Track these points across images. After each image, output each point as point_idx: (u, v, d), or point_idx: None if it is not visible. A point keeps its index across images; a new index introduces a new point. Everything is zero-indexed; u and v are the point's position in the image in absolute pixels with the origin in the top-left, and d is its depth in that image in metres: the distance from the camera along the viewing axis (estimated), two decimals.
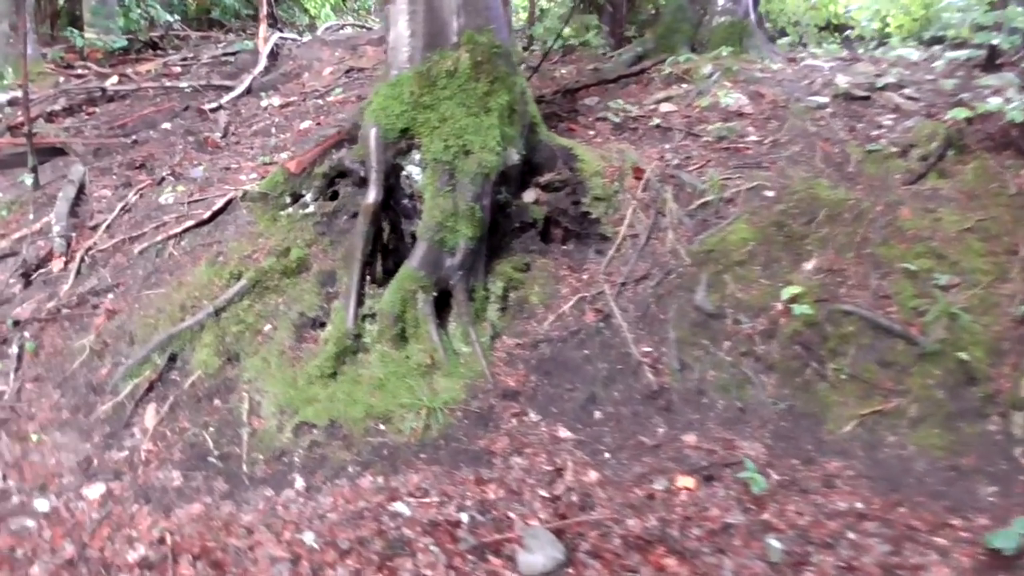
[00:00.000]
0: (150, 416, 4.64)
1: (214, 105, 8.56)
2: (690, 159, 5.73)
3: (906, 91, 6.28)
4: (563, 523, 3.89)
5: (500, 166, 4.89)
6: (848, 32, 9.79)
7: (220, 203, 6.08)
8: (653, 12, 9.83)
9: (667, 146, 5.93)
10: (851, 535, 3.80)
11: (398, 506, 4.04)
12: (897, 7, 9.81)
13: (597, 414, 4.58)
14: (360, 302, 4.82)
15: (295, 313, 5.17)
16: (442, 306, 4.90)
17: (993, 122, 5.44)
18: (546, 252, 5.37)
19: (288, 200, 5.85)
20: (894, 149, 5.49)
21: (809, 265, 4.85)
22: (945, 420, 4.26)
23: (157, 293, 5.46)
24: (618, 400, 4.63)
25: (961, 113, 5.13)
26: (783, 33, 9.79)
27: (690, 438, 4.42)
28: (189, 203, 6.24)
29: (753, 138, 5.96)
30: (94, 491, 4.14)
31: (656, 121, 6.13)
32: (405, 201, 4.95)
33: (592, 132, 6.16)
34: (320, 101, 8.50)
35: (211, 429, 4.54)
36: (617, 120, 6.22)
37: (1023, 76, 5.95)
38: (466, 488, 4.12)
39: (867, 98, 6.31)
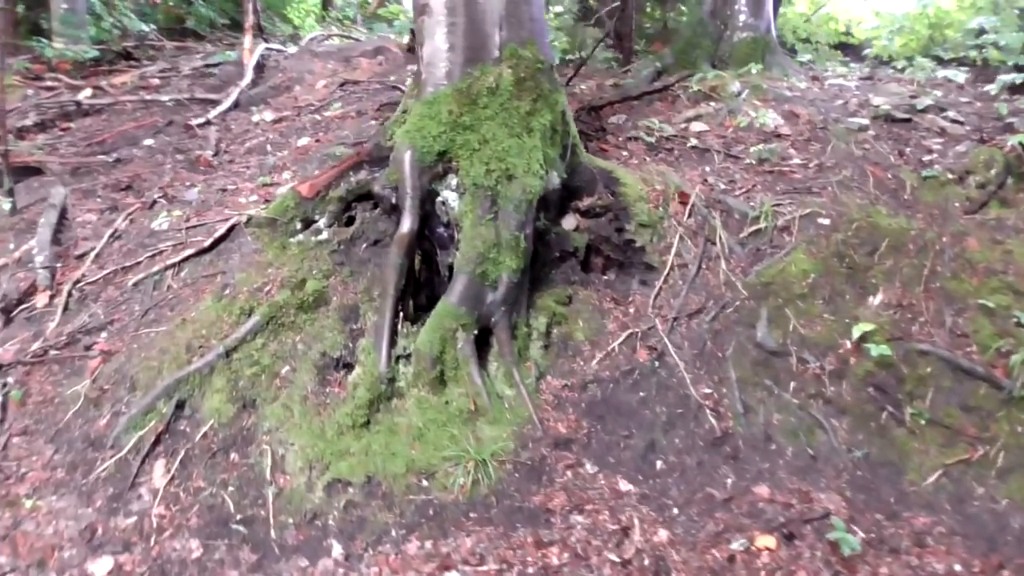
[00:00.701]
0: (159, 474, 4.20)
1: (201, 120, 8.13)
2: (734, 183, 5.48)
3: (949, 114, 6.13)
4: None
5: (542, 191, 4.58)
6: (866, 51, 9.71)
7: (222, 229, 5.66)
8: (662, 26, 9.65)
9: (707, 168, 5.68)
10: None
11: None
12: (909, 24, 9.77)
13: (659, 464, 4.26)
14: (393, 342, 4.44)
15: (316, 353, 4.77)
16: (481, 344, 4.56)
17: None
18: (587, 283, 5.06)
19: (299, 226, 5.46)
20: (951, 176, 5.30)
21: (876, 300, 4.61)
22: None
23: (158, 331, 5.02)
24: (680, 448, 4.32)
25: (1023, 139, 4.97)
26: (793, 50, 9.67)
27: (762, 490, 4.13)
28: (186, 229, 5.80)
29: (797, 161, 5.73)
30: (101, 567, 3.70)
31: (693, 142, 5.88)
32: (440, 230, 4.60)
33: (626, 153, 5.88)
34: (317, 116, 8.11)
35: (230, 488, 4.12)
36: (651, 140, 5.95)
37: None
38: (525, 552, 3.76)
39: (908, 120, 6.14)
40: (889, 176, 5.40)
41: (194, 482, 4.17)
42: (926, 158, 5.58)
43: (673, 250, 5.03)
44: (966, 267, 4.67)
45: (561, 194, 4.89)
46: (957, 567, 3.71)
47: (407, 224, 4.42)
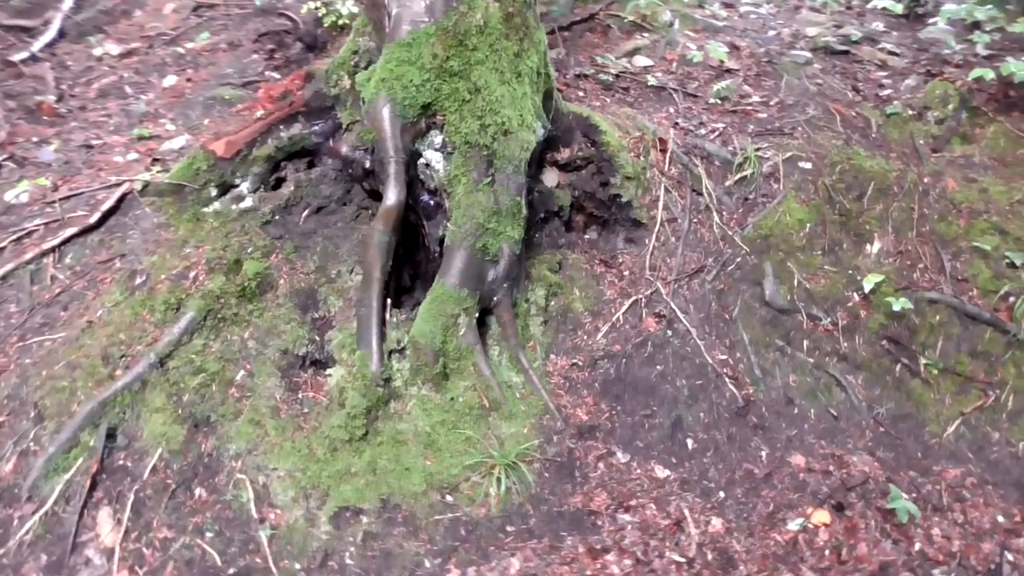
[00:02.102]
0: (106, 528, 3.37)
1: (25, 55, 6.62)
2: (703, 124, 5.18)
3: (885, 46, 6.15)
4: None
5: (535, 147, 4.04)
6: None
7: (110, 200, 4.60)
8: None
9: (671, 110, 5.33)
10: (1010, 556, 3.60)
11: None
12: None
13: (690, 443, 4.01)
14: (383, 335, 3.79)
15: (274, 352, 4.02)
16: (479, 327, 4.01)
17: (993, 83, 5.41)
18: (573, 245, 4.62)
19: (214, 192, 4.55)
20: (911, 112, 5.31)
21: (874, 248, 4.56)
22: None
23: (53, 339, 4.01)
24: (707, 423, 4.08)
25: (988, 74, 5.03)
26: None
27: (797, 459, 4.00)
28: (60, 201, 4.67)
29: (756, 99, 5.53)
30: None
31: (652, 80, 5.48)
32: (425, 197, 3.93)
33: (581, 93, 5.39)
34: (177, 49, 6.85)
35: (208, 534, 3.38)
36: (606, 79, 5.49)
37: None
38: (582, 566, 3.40)
39: (847, 52, 6.10)
40: (854, 114, 5.34)
41: (156, 532, 3.38)
42: (882, 93, 5.57)
43: (660, 204, 4.68)
44: (951, 208, 4.72)
45: (542, 147, 4.36)
46: (1000, 519, 3.80)
47: (392, 194, 3.72)
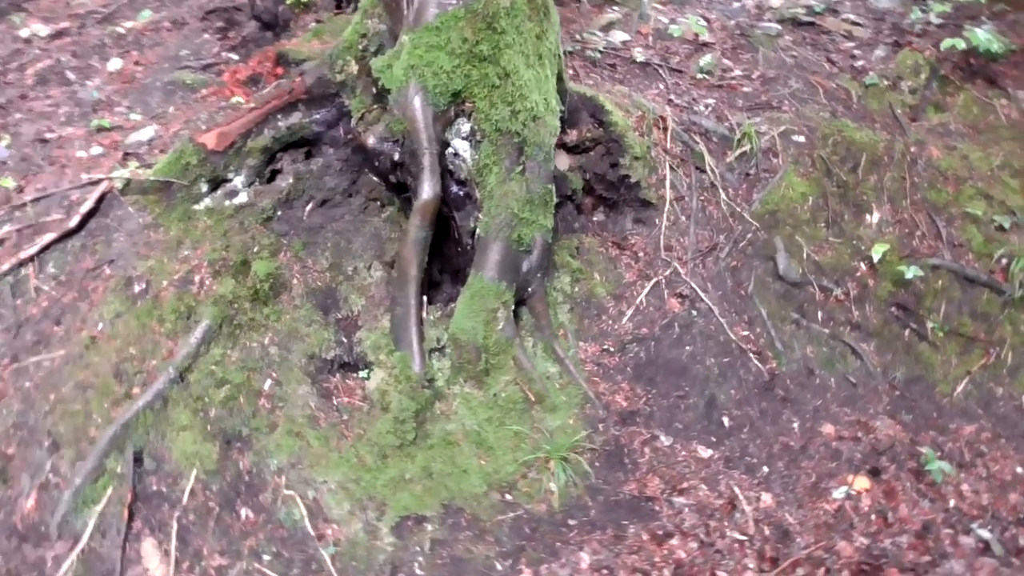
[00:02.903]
0: (154, 560, 3.14)
1: None
2: (694, 100, 5.20)
3: (849, 16, 6.32)
4: (780, 571, 3.41)
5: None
6: None
7: (89, 201, 4.24)
8: None
9: (661, 86, 5.32)
10: None
11: None
12: None
13: (726, 421, 4.08)
14: (422, 335, 3.66)
15: (299, 357, 3.82)
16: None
17: (955, 53, 5.66)
18: (586, 229, 4.57)
19: (205, 188, 4.27)
20: (886, 82, 5.49)
21: (874, 218, 4.72)
22: None
23: (52, 358, 3.68)
24: (738, 399, 4.16)
25: (960, 44, 5.24)
26: None
27: (828, 429, 4.13)
28: (31, 203, 4.26)
29: (738, 73, 5.59)
30: None
31: (639, 56, 5.45)
32: (455, 188, 3.78)
33: (571, 71, 5.30)
34: (115, 28, 6.32)
35: (265, 557, 3.21)
36: (593, 55, 5.41)
37: None
38: (650, 553, 3.42)
39: (813, 24, 6.25)
40: (834, 86, 5.48)
41: (209, 560, 3.18)
42: (855, 64, 5.74)
43: (668, 183, 4.69)
44: (938, 176, 4.93)
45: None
46: (1019, 470, 4.04)
47: (428, 188, 3.55)
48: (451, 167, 3.75)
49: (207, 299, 3.89)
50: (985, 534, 3.68)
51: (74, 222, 4.17)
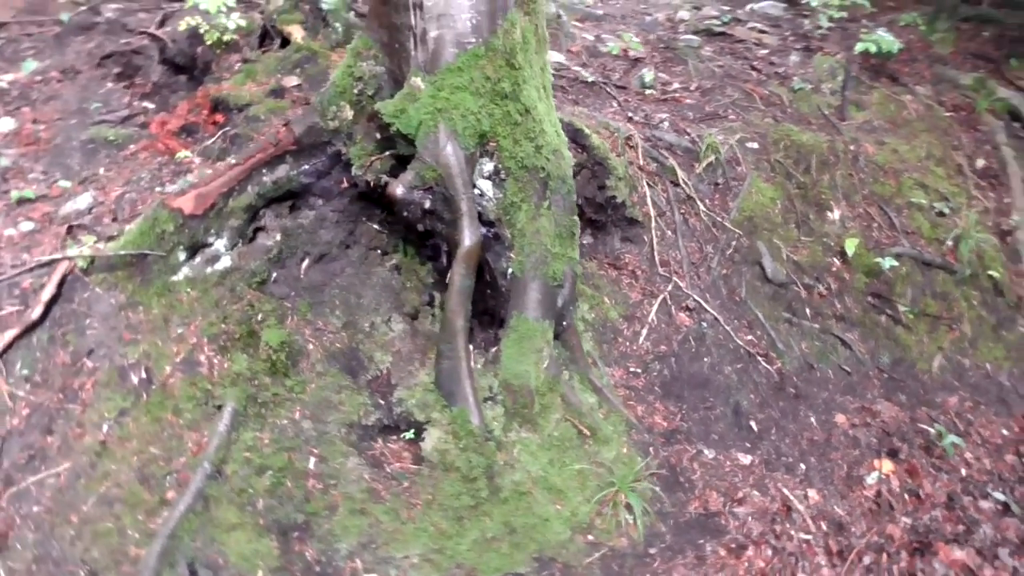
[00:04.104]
0: None
1: None
2: (649, 117, 5.35)
3: (754, 25, 6.73)
4: (849, 563, 3.59)
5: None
6: None
7: (50, 287, 3.76)
8: None
9: (614, 104, 5.42)
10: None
11: None
12: None
13: (753, 425, 4.23)
14: (475, 386, 3.53)
15: (338, 427, 3.58)
16: None
17: (859, 55, 6.18)
18: (581, 253, 4.58)
19: (182, 256, 3.90)
20: (809, 86, 5.90)
21: (835, 215, 5.06)
22: (992, 333, 4.96)
23: (60, 474, 3.23)
24: (758, 402, 4.33)
25: (873, 47, 5.73)
26: None
27: (840, 419, 4.39)
28: None
29: (677, 86, 5.81)
30: None
31: (588, 76, 5.52)
32: (483, 230, 3.65)
33: None
34: None
35: None
36: None
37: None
38: (732, 569, 3.49)
39: (724, 34, 6.60)
40: (767, 92, 5.82)
41: None
42: (778, 71, 6.12)
43: (649, 200, 4.80)
44: (879, 171, 5.36)
45: None
46: (1004, 432, 4.47)
47: (468, 234, 3.41)
48: (478, 208, 3.65)
49: (222, 379, 3.57)
50: (1001, 496, 4.05)
51: (36, 312, 3.68)
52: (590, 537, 3.47)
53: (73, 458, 3.30)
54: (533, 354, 3.64)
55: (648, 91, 5.64)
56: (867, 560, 3.64)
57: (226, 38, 5.35)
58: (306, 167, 3.99)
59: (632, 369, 4.23)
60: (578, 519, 3.48)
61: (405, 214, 3.53)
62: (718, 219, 4.84)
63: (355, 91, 3.81)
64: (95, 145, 4.97)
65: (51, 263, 3.88)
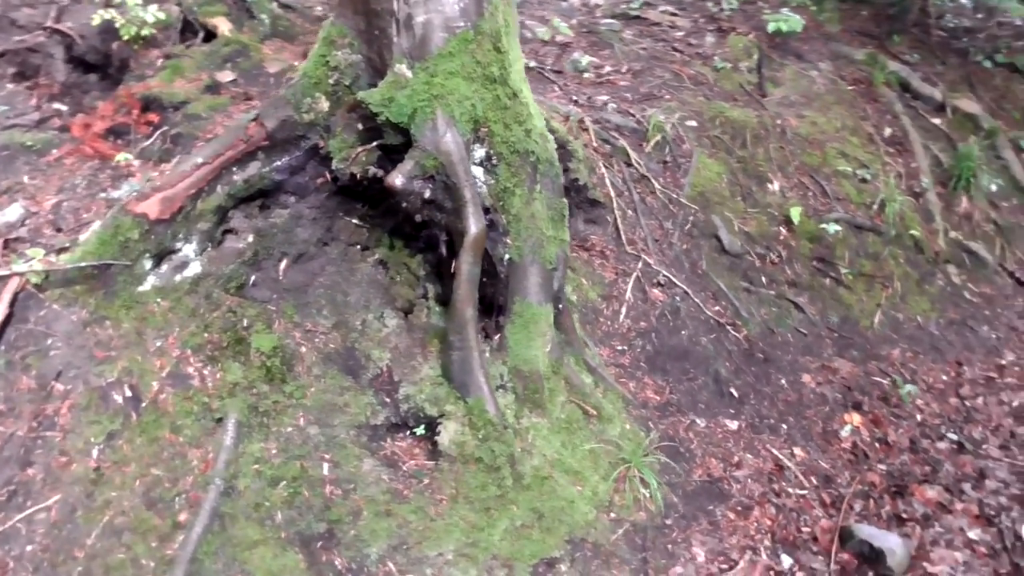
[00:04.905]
0: None
1: None
2: (591, 99, 5.41)
3: (666, 8, 6.93)
4: (843, 511, 3.82)
5: None
6: None
7: (1, 308, 3.38)
8: None
9: (556, 89, 5.44)
10: (967, 403, 4.67)
11: None
12: None
13: (734, 392, 4.38)
14: (487, 375, 3.46)
15: (346, 430, 3.42)
16: None
17: (766, 34, 6.50)
18: None
19: (148, 265, 3.62)
20: (729, 65, 6.15)
21: (774, 186, 5.30)
22: (917, 288, 5.37)
23: (50, 507, 2.93)
24: (733, 369, 4.49)
25: (784, 26, 6.04)
26: None
27: (807, 378, 4.64)
28: None
29: (609, 68, 5.90)
30: None
31: (529, 63, 5.50)
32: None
33: None
34: None
35: None
36: None
37: None
38: (744, 527, 3.64)
39: (639, 18, 6.76)
40: (693, 72, 6.01)
41: None
42: (698, 51, 6.32)
43: (607, 181, 4.86)
44: (804, 142, 5.66)
45: None
46: (944, 377, 4.86)
47: (474, 222, 3.32)
48: None
49: (218, 391, 3.33)
50: (953, 436, 4.41)
51: None
52: (612, 514, 3.50)
53: (63, 489, 2.99)
54: (539, 338, 3.62)
55: (585, 75, 5.71)
56: (857, 507, 3.88)
57: (144, 32, 4.94)
58: (278, 163, 3.76)
59: (618, 347, 4.28)
60: (599, 498, 3.50)
61: (404, 205, 3.40)
62: (673, 196, 4.97)
63: (331, 81, 3.64)
64: (10, 152, 4.48)
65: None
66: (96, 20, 4.96)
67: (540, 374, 3.60)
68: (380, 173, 3.55)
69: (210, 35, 5.23)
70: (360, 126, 3.62)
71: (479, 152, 3.60)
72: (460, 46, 3.38)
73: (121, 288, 3.57)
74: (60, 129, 4.82)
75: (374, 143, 3.56)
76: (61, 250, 3.75)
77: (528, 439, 3.56)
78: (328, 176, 3.79)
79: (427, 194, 3.41)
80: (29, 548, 2.88)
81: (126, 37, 4.98)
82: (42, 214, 4.13)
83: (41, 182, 4.38)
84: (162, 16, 5.00)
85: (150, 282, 3.67)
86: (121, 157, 4.39)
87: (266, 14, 5.36)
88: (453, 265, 3.49)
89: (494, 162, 3.61)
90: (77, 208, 4.13)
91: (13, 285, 3.49)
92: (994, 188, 6.29)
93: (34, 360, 3.38)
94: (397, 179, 3.33)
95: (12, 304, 3.47)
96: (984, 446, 4.35)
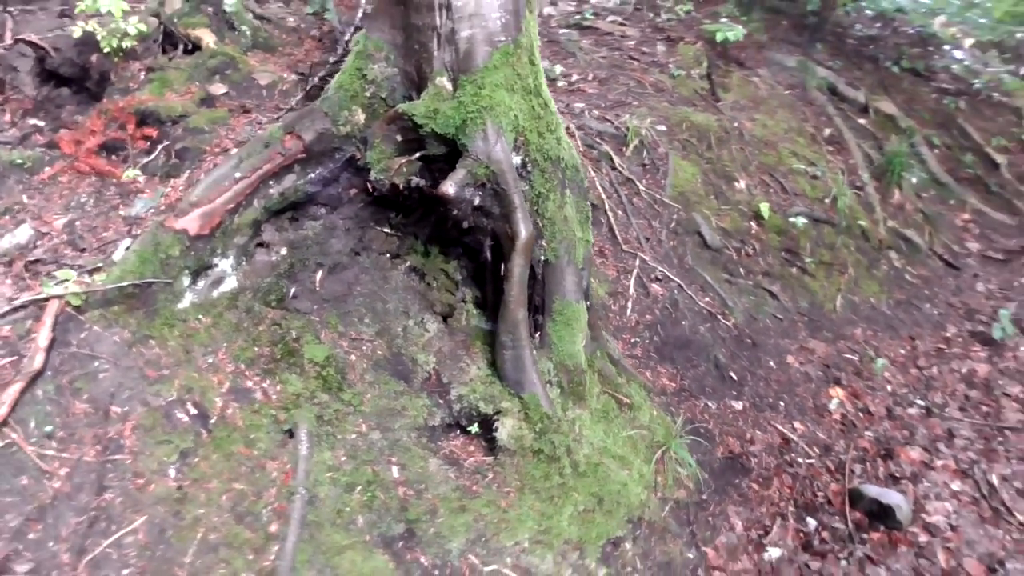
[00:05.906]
0: None
1: None
2: (570, 107, 5.64)
3: (615, 18, 7.24)
4: (847, 476, 4.20)
5: None
6: None
7: (44, 331, 3.27)
8: None
9: None
10: (925, 373, 5.19)
11: (772, 552, 3.67)
12: None
13: (733, 375, 4.71)
14: (539, 372, 3.62)
15: (407, 435, 3.50)
16: None
17: (709, 43, 6.94)
18: None
19: (186, 282, 3.59)
20: (683, 72, 6.52)
21: (741, 185, 5.69)
22: (867, 273, 5.90)
23: (136, 530, 2.88)
24: (729, 355, 4.82)
25: (731, 35, 6.46)
26: None
27: (791, 359, 5.02)
28: None
29: (577, 76, 6.14)
30: None
31: None
32: None
33: None
34: None
35: None
36: None
37: None
38: (770, 498, 3.96)
39: (591, 27, 7.05)
40: (653, 79, 6.33)
41: None
42: (653, 60, 6.66)
43: (597, 184, 5.10)
44: (760, 144, 6.09)
45: None
46: (902, 351, 5.37)
47: (523, 227, 3.45)
48: None
49: (283, 403, 3.35)
50: (921, 402, 4.90)
51: (38, 361, 3.20)
52: (659, 494, 3.74)
53: (146, 511, 2.94)
54: (579, 334, 3.82)
55: (559, 83, 5.94)
56: (857, 470, 4.28)
57: (125, 44, 4.79)
58: (312, 176, 3.80)
59: (630, 340, 4.53)
60: (646, 479, 3.74)
61: (455, 212, 3.52)
62: (656, 196, 5.27)
63: (367, 94, 3.71)
64: (1, 171, 4.27)
65: (32, 303, 3.37)
66: (76, 32, 4.77)
67: (582, 368, 3.80)
68: (423, 183, 3.65)
69: (193, 47, 5.12)
70: (399, 137, 3.70)
71: (516, 160, 3.76)
72: (503, 59, 3.54)
73: (161, 306, 3.52)
74: (47, 146, 4.63)
75: (416, 154, 3.66)
76: (94, 270, 3.65)
77: (576, 429, 3.74)
78: (363, 187, 3.85)
79: (476, 201, 3.54)
80: (125, 572, 2.82)
81: (107, 50, 4.82)
82: (54, 234, 3.98)
83: (42, 201, 4.21)
84: (143, 28, 4.86)
85: (188, 299, 3.63)
86: (130, 174, 4.27)
87: (247, 26, 5.29)
88: (502, 268, 3.64)
89: (529, 169, 3.78)
90: (93, 227, 4.00)
91: (54, 308, 3.38)
92: (915, 181, 6.97)
93: (83, 383, 3.29)
94: (450, 188, 3.45)
95: (54, 328, 3.38)
96: (947, 409, 4.87)
